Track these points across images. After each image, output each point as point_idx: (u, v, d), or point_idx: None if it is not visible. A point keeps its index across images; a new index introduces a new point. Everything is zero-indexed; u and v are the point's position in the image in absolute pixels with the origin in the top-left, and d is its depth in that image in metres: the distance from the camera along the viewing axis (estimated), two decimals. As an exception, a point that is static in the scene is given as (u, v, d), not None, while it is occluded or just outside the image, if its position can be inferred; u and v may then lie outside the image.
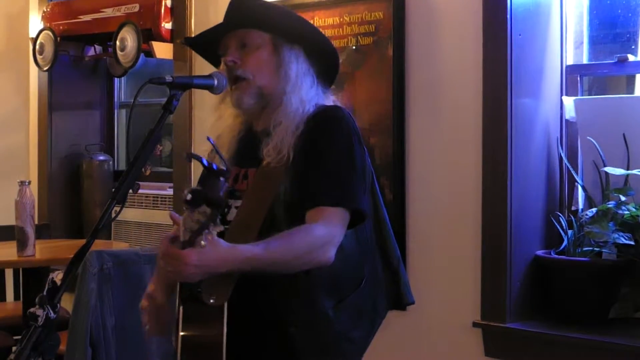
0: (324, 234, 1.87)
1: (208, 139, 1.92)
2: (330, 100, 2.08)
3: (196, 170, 4.03)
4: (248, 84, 2.00)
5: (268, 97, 2.02)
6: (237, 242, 1.82)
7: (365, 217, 1.99)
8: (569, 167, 3.04)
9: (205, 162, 1.65)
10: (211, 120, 2.17)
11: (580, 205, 3.07)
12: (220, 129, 2.14)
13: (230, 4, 2.07)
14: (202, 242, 1.65)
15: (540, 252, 3.02)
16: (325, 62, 2.10)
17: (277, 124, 1.99)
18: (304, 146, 1.96)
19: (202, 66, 4.04)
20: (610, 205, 2.84)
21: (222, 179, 1.61)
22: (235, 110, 2.09)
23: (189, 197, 1.60)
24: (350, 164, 1.97)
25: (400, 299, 2.16)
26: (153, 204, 4.56)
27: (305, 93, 2.01)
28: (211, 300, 1.83)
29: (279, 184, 1.95)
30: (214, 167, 1.62)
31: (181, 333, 1.87)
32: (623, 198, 2.84)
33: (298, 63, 2.02)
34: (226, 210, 2.08)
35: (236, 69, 2.00)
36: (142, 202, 4.59)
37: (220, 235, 1.75)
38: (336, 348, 2.00)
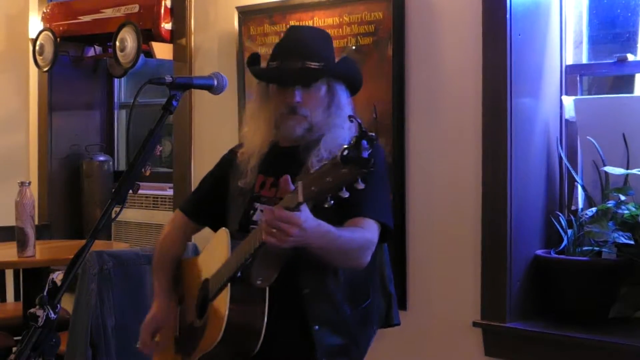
0: (371, 238, 2.10)
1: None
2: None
3: (196, 170, 4.03)
4: (305, 119, 2.20)
5: (315, 129, 2.21)
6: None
7: (391, 236, 2.21)
8: (569, 166, 3.04)
9: (359, 120, 1.75)
10: (247, 129, 2.33)
11: (580, 205, 3.07)
12: (252, 141, 2.29)
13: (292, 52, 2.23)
14: (328, 204, 1.74)
15: (540, 252, 3.02)
16: (352, 88, 2.32)
17: (326, 143, 2.16)
18: None
19: (201, 67, 4.06)
20: (609, 205, 2.84)
21: (365, 143, 1.68)
22: (269, 129, 2.26)
23: (345, 152, 1.66)
24: (386, 188, 2.24)
25: (390, 319, 2.38)
26: (153, 204, 4.57)
27: (349, 123, 2.16)
28: (258, 282, 2.00)
29: None
30: (364, 129, 1.68)
31: (227, 311, 2.00)
32: (623, 197, 2.84)
33: (347, 99, 2.26)
34: (252, 211, 2.24)
35: (299, 107, 2.19)
36: (142, 203, 4.60)
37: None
38: (347, 350, 2.18)
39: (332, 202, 1.75)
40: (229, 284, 2.03)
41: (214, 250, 2.23)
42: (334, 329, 2.14)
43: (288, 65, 2.20)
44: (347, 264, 2.11)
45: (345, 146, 1.67)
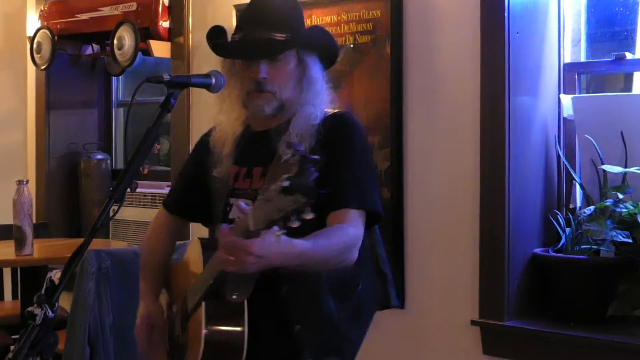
0: (355, 234, 1.96)
1: (296, 145, 1.88)
2: (329, 99, 2.13)
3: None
4: (273, 96, 2.06)
5: (287, 106, 2.08)
6: None
7: (381, 219, 2.07)
8: (567, 165, 3.04)
9: (300, 148, 1.64)
10: (214, 111, 2.18)
11: (578, 203, 3.07)
12: (221, 123, 2.17)
13: (254, 20, 2.09)
14: (278, 232, 1.62)
15: (538, 250, 3.02)
16: (327, 60, 2.16)
17: (296, 126, 2.04)
18: (322, 150, 1.95)
19: (199, 65, 4.05)
20: (608, 203, 2.84)
21: (312, 168, 1.59)
22: (241, 109, 2.13)
23: (286, 183, 1.56)
24: (369, 168, 2.09)
25: (387, 300, 2.23)
26: (151, 202, 4.56)
27: (323, 98, 2.09)
28: (234, 297, 1.88)
29: None
30: (309, 156, 1.59)
31: (204, 330, 1.91)
32: (621, 196, 2.84)
33: (320, 73, 2.09)
34: (227, 208, 2.11)
35: (265, 83, 2.04)
36: (140, 201, 4.59)
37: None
38: (337, 347, 2.05)
39: (298, 224, 1.58)
40: (203, 302, 1.93)
41: (190, 261, 2.12)
42: (319, 327, 2.01)
43: (252, 36, 2.05)
44: (330, 268, 1.95)
45: (286, 176, 1.56)
